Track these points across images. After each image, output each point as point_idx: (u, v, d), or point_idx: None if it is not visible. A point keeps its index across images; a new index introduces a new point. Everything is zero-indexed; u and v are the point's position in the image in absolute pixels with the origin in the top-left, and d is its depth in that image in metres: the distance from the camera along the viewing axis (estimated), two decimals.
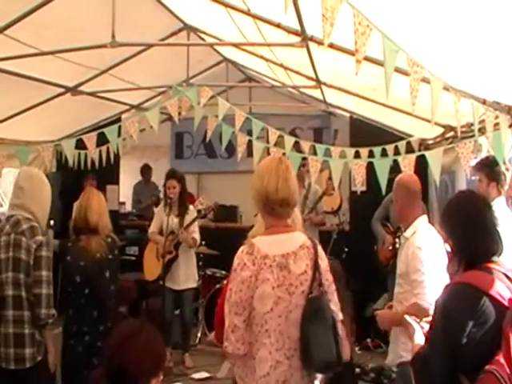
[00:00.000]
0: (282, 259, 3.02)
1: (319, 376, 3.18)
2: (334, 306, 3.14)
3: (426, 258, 4.02)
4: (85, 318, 4.48)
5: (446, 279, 3.88)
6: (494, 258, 2.71)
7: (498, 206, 4.59)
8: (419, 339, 2.88)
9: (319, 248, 3.14)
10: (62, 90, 6.89)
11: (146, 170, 10.96)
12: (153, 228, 7.18)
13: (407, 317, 3.12)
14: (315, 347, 2.96)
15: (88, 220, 4.54)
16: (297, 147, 5.84)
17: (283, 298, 3.00)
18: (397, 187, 4.43)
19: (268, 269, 2.99)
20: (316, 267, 3.05)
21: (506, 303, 2.54)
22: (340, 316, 3.17)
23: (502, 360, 2.41)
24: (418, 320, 3.15)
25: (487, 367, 2.42)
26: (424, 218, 4.33)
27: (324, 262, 3.14)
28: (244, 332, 3.00)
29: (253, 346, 3.03)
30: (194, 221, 7.02)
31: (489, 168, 4.88)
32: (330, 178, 7.01)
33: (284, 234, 3.11)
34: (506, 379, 2.37)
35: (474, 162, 4.85)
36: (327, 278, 3.13)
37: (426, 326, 2.92)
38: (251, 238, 3.29)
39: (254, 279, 2.98)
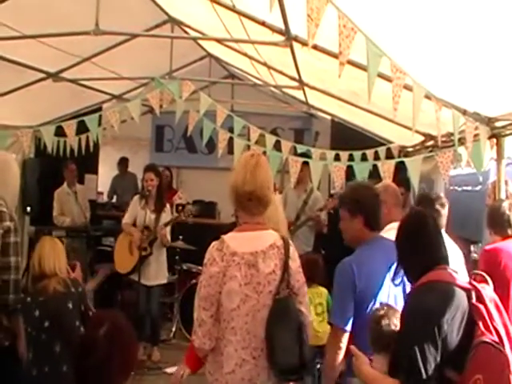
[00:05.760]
0: (250, 257, 3.01)
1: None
2: (304, 308, 3.12)
3: None
4: (47, 355, 4.00)
5: None
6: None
7: None
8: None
9: (291, 248, 3.11)
10: (43, 75, 6.79)
11: (121, 162, 10.98)
12: (127, 219, 7.10)
13: (353, 347, 3.04)
14: (278, 349, 2.94)
15: (44, 269, 4.13)
16: (277, 147, 5.83)
17: (251, 296, 2.99)
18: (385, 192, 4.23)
19: (236, 266, 2.99)
20: (285, 268, 3.03)
21: (468, 287, 2.68)
22: (310, 319, 3.16)
23: (484, 331, 2.53)
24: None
25: (476, 341, 2.51)
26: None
27: (295, 263, 3.10)
28: (211, 327, 3.01)
29: (220, 342, 3.03)
30: (174, 220, 7.01)
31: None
32: (331, 196, 7.18)
33: (254, 232, 3.09)
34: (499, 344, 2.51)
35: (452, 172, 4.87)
36: (298, 279, 3.10)
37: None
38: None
39: (222, 275, 2.98)
